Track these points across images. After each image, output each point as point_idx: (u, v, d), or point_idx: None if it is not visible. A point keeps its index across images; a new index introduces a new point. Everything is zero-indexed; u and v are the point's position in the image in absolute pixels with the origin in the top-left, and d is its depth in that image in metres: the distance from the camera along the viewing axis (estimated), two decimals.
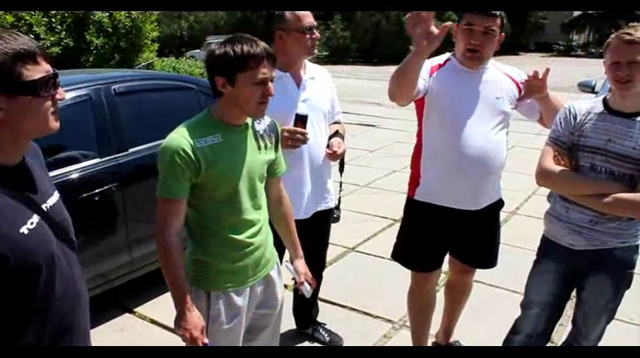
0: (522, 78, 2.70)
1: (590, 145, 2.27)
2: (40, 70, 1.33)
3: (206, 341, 1.96)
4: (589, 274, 2.38)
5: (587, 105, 2.35)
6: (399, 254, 2.95)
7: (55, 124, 1.40)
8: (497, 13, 2.48)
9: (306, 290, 2.39)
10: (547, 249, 2.49)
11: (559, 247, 2.41)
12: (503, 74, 2.69)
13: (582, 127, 2.30)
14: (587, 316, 2.44)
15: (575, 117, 2.33)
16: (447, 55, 2.70)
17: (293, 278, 2.41)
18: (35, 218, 1.36)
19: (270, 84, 1.91)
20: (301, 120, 2.65)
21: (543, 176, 2.36)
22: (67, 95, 3.27)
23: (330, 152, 2.86)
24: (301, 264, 2.40)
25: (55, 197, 1.50)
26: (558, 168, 2.31)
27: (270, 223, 2.27)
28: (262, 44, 1.88)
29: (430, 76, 2.60)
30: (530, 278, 2.56)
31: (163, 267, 1.95)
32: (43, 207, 1.42)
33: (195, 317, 1.95)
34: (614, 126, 2.23)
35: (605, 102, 2.31)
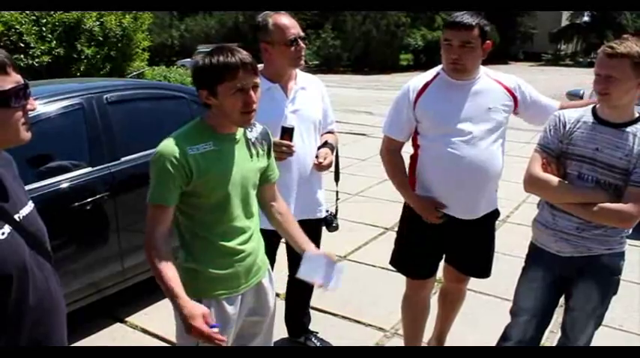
0: (516, 83, 2.71)
1: (578, 153, 2.30)
2: (10, 80, 1.32)
3: (216, 332, 1.87)
4: (576, 281, 2.41)
5: (577, 114, 2.38)
6: (396, 260, 2.97)
7: (26, 135, 1.39)
8: (474, 23, 2.47)
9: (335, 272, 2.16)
10: (535, 255, 2.52)
11: (546, 254, 2.44)
12: (495, 82, 2.69)
13: (571, 135, 2.33)
14: (574, 322, 2.46)
15: (564, 126, 2.36)
16: (437, 69, 2.71)
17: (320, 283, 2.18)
18: (6, 228, 1.35)
19: (251, 92, 1.90)
20: (287, 132, 2.65)
21: (531, 182, 2.39)
22: (59, 104, 3.31)
23: (316, 163, 2.86)
24: (313, 249, 2.26)
25: (28, 207, 1.49)
26: (546, 175, 2.33)
27: (262, 232, 2.27)
28: (239, 54, 1.88)
29: (415, 105, 2.65)
30: (518, 285, 2.59)
31: (154, 273, 1.93)
32: (16, 217, 1.41)
33: (194, 309, 1.86)
34: (602, 136, 2.26)
35: (594, 111, 2.34)
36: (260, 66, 2.82)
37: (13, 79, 1.33)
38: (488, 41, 2.58)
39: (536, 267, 2.50)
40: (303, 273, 2.16)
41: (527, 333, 2.52)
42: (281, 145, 2.62)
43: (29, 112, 1.40)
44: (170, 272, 1.91)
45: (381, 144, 2.86)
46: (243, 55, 1.89)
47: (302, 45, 2.73)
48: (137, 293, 3.90)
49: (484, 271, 2.96)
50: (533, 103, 2.75)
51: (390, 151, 2.82)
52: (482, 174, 2.64)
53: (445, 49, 2.56)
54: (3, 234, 1.33)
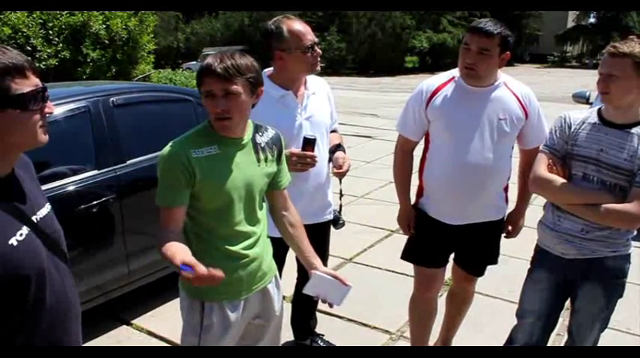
0: (527, 99, 2.67)
1: (582, 155, 2.30)
2: (29, 84, 1.35)
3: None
4: (581, 283, 2.40)
5: (582, 115, 2.38)
6: (406, 252, 2.97)
7: (43, 137, 1.42)
8: (495, 32, 2.45)
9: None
10: (540, 258, 2.52)
11: (551, 256, 2.44)
12: (511, 94, 2.65)
13: (576, 137, 2.33)
14: (580, 325, 2.45)
15: (569, 127, 2.36)
16: (453, 72, 2.70)
17: (318, 299, 2.17)
18: (25, 229, 1.36)
19: (216, 99, 1.87)
20: (310, 143, 2.59)
21: (536, 183, 2.39)
22: (65, 107, 3.33)
23: (338, 170, 2.80)
24: (322, 269, 2.20)
25: (45, 209, 1.51)
26: (552, 176, 2.33)
27: (272, 238, 2.26)
28: (217, 60, 1.85)
29: (428, 106, 2.65)
30: (524, 288, 2.58)
31: (164, 259, 1.83)
32: (33, 218, 1.43)
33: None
34: (606, 137, 2.26)
35: (599, 112, 2.34)
36: (269, 70, 2.79)
37: (32, 83, 1.36)
38: (507, 52, 2.54)
39: (541, 270, 2.50)
40: (310, 290, 2.15)
41: (533, 336, 2.52)
42: (305, 157, 2.57)
43: (47, 115, 1.42)
44: (172, 248, 1.81)
45: (395, 143, 2.90)
46: (223, 61, 1.85)
47: (318, 51, 2.70)
48: (143, 296, 3.91)
49: (479, 271, 2.99)
50: (537, 124, 2.71)
51: (404, 151, 2.87)
52: (483, 181, 2.64)
53: (462, 52, 2.56)
54: (22, 235, 1.34)
